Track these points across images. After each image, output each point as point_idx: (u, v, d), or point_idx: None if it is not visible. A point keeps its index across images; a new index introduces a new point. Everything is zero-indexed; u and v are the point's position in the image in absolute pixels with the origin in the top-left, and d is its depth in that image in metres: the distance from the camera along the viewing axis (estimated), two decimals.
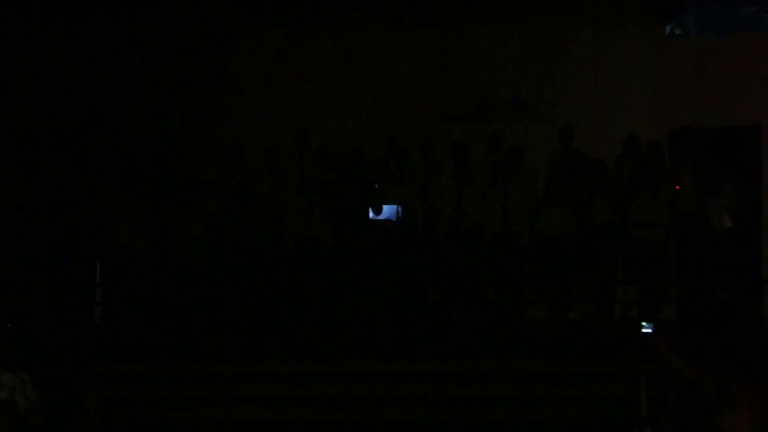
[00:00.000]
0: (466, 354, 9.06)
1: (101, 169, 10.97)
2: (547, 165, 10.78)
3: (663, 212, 10.13)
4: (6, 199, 10.75)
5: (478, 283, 10.37)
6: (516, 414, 8.47)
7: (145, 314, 10.05)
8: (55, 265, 10.28)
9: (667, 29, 12.49)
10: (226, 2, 11.74)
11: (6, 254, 10.36)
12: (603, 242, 10.21)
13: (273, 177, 10.58)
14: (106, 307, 10.66)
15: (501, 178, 10.38)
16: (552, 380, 8.68)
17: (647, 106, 12.20)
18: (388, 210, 10.41)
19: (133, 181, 10.58)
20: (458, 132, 11.60)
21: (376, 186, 10.40)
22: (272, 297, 10.21)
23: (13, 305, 9.77)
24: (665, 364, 4.35)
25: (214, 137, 11.76)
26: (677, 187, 10.28)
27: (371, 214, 10.23)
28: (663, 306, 10.28)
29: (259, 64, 12.67)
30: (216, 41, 12.69)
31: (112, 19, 11.87)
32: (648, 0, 11.89)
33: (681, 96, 12.11)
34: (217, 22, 12.40)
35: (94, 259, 10.66)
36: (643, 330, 10.08)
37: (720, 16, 12.10)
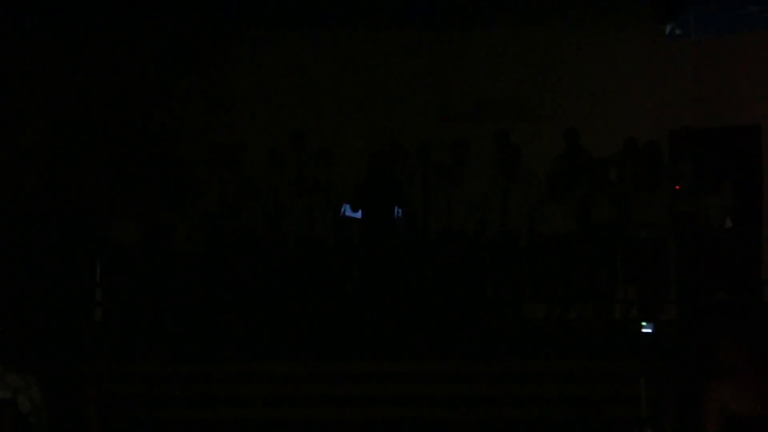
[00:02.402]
0: (466, 354, 9.05)
1: (101, 168, 10.97)
2: (552, 165, 10.78)
3: (663, 212, 10.13)
4: (6, 199, 10.74)
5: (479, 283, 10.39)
6: (516, 414, 8.46)
7: (145, 314, 10.05)
8: (55, 265, 10.27)
9: (667, 29, 12.50)
10: (226, 3, 11.74)
11: (6, 254, 10.35)
12: (603, 242, 10.21)
13: (275, 177, 10.59)
14: (106, 307, 10.67)
15: (501, 178, 10.39)
16: (552, 380, 8.67)
17: (647, 106, 12.20)
18: None
19: (133, 181, 10.58)
20: (458, 132, 11.58)
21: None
22: (272, 297, 10.21)
23: (13, 305, 9.77)
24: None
25: (214, 137, 11.76)
26: (677, 187, 10.28)
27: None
28: (663, 306, 10.28)
29: (259, 64, 12.66)
30: (216, 41, 12.69)
31: (111, 20, 11.87)
32: (648, 0, 11.89)
33: (681, 96, 12.11)
34: (217, 23, 12.40)
35: (94, 259, 10.66)
36: (643, 330, 10.13)
37: (720, 16, 12.10)
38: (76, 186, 10.69)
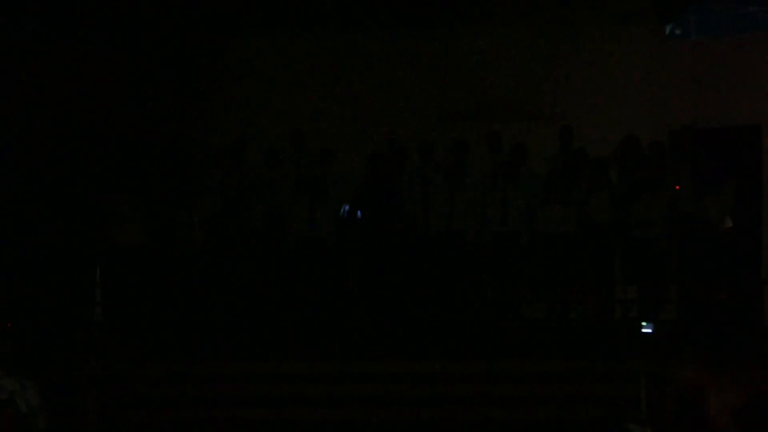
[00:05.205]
0: (466, 354, 9.05)
1: (101, 168, 10.97)
2: (550, 164, 10.78)
3: (663, 212, 10.13)
4: (6, 199, 10.74)
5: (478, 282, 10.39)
6: (516, 414, 8.46)
7: (145, 314, 10.05)
8: (54, 265, 10.28)
9: (667, 29, 12.49)
10: (226, 3, 11.74)
11: (6, 254, 10.36)
12: (602, 242, 10.21)
13: (274, 177, 10.60)
14: (106, 307, 10.67)
15: (501, 178, 10.39)
16: (552, 380, 8.67)
17: (647, 106, 12.20)
18: None
19: (134, 181, 10.59)
20: (458, 132, 11.57)
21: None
22: (273, 297, 10.22)
23: (13, 305, 9.76)
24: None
25: (214, 137, 11.76)
26: (677, 187, 10.28)
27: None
28: (663, 306, 10.28)
29: (259, 64, 12.67)
30: (216, 41, 12.69)
31: (112, 20, 11.87)
32: (648, 0, 11.88)
33: (681, 96, 12.10)
34: (217, 23, 12.40)
35: (94, 259, 10.67)
36: (643, 330, 10.13)
37: (720, 16, 12.10)
38: (76, 186, 10.69)
